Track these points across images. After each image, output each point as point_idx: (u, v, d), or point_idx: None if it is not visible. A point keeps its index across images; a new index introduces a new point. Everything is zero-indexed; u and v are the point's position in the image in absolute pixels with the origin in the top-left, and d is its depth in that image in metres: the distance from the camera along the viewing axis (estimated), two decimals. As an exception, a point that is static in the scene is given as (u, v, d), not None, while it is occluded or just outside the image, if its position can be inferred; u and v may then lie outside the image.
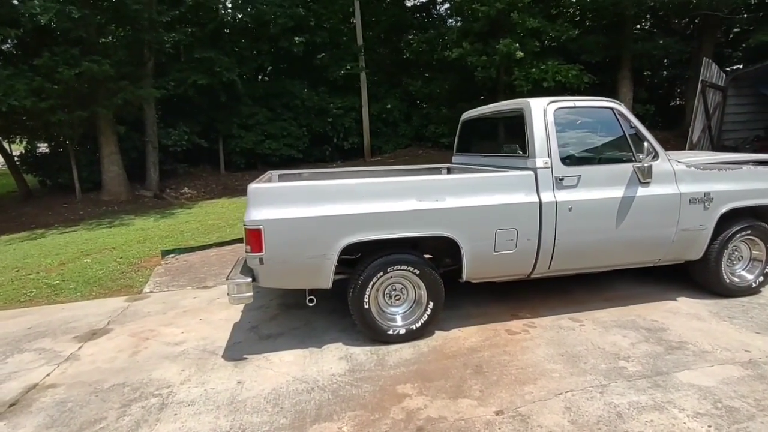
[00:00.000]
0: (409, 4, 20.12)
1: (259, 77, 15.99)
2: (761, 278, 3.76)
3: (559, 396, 2.49)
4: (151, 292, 4.81)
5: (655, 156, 3.37)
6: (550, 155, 3.23)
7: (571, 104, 3.39)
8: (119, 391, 2.81)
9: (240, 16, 12.07)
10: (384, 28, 18.18)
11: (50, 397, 2.79)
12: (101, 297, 4.76)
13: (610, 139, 3.45)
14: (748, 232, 3.65)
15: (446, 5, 19.84)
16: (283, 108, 15.50)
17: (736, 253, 3.76)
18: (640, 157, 3.34)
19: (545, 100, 3.35)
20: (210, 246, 6.55)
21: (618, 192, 3.31)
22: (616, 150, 3.42)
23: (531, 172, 3.23)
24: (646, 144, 3.30)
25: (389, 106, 16.95)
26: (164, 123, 12.61)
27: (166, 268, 5.65)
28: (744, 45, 13.60)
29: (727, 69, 12.82)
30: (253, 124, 14.76)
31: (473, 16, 13.56)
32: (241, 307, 4.18)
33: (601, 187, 3.29)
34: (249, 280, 2.97)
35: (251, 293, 3.00)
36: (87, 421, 2.52)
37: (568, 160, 3.28)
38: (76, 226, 9.25)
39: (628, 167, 3.35)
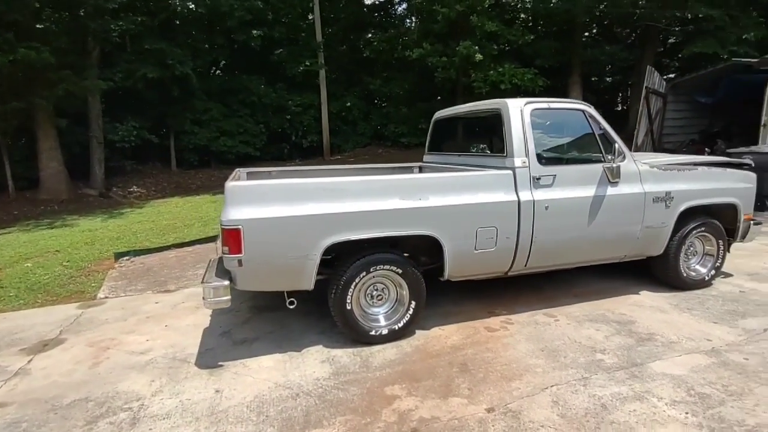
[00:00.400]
0: (368, 2, 20.09)
1: (214, 71, 15.37)
2: (713, 272, 4.04)
3: (546, 390, 2.54)
4: (106, 297, 4.48)
5: (623, 157, 3.52)
6: (527, 155, 3.30)
7: (546, 105, 3.48)
8: (82, 407, 2.58)
9: (193, 6, 11.49)
10: (343, 26, 18.04)
11: (0, 419, 2.51)
12: (48, 304, 4.38)
13: (581, 140, 3.58)
14: (703, 228, 3.91)
15: (404, 5, 20.01)
16: (239, 104, 15.00)
17: (692, 248, 4.01)
18: (609, 157, 3.48)
19: (522, 100, 3.42)
20: (168, 247, 6.21)
21: (590, 191, 3.44)
22: (587, 151, 3.55)
23: (510, 172, 3.28)
24: (615, 145, 3.45)
25: (349, 104, 16.84)
26: (110, 117, 11.82)
27: (121, 272, 5.29)
28: (680, 55, 14.63)
29: (666, 77, 13.75)
30: (207, 120, 14.17)
31: (433, 18, 13.73)
32: (209, 311, 3.98)
33: (575, 187, 3.41)
34: (226, 283, 2.82)
35: (229, 297, 2.85)
36: (48, 442, 2.29)
37: (544, 159, 3.37)
38: (10, 227, 8.49)
39: (599, 167, 3.49)
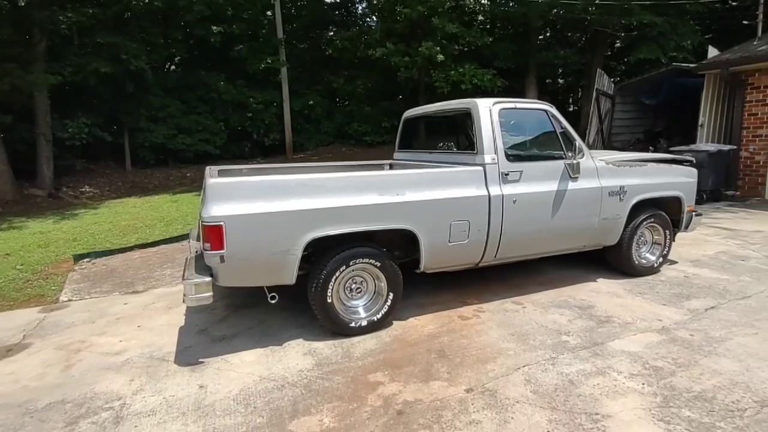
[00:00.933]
0: (328, 0, 20.02)
1: (170, 67, 14.84)
2: (661, 259, 4.42)
3: (518, 371, 2.73)
4: (69, 300, 4.32)
5: (582, 154, 3.79)
6: (496, 152, 3.50)
7: (512, 105, 3.69)
8: (59, 409, 2.53)
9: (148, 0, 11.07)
10: (304, 24, 17.89)
11: (-30, 424, 2.42)
12: (5, 309, 4.17)
13: (544, 138, 3.81)
14: (652, 220, 4.26)
15: (364, 4, 20.10)
16: (198, 101, 14.57)
17: (642, 238, 4.36)
18: (570, 154, 3.74)
19: (490, 100, 3.61)
20: (132, 248, 6.02)
21: (553, 186, 3.69)
22: (550, 148, 3.79)
23: (480, 168, 3.46)
24: (575, 143, 3.71)
25: (311, 102, 16.73)
26: (60, 113, 11.18)
27: (82, 274, 5.09)
28: (626, 59, 15.56)
29: (614, 80, 14.60)
30: (164, 116, 13.68)
31: (395, 18, 13.91)
32: (183, 310, 3.94)
33: (540, 182, 3.64)
34: (209, 279, 2.83)
35: (211, 293, 2.86)
36: (28, 444, 2.24)
37: (511, 156, 3.57)
38: (-50, 230, 7.90)
39: (561, 164, 3.74)
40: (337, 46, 15.77)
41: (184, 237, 6.55)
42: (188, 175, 14.31)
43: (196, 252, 3.46)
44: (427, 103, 4.58)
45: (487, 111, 3.54)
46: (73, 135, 11.09)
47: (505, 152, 3.53)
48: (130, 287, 4.62)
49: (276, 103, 15.94)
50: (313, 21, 17.89)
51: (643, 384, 2.54)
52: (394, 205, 3.12)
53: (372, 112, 16.68)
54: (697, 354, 2.86)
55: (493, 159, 3.47)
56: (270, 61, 14.89)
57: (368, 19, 19.45)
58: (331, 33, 18.19)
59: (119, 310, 4.02)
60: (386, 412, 2.38)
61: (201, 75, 14.07)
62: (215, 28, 12.33)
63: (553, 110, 3.83)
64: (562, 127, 3.81)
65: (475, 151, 3.55)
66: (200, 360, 3.02)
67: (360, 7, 20.28)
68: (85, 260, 5.54)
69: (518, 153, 3.66)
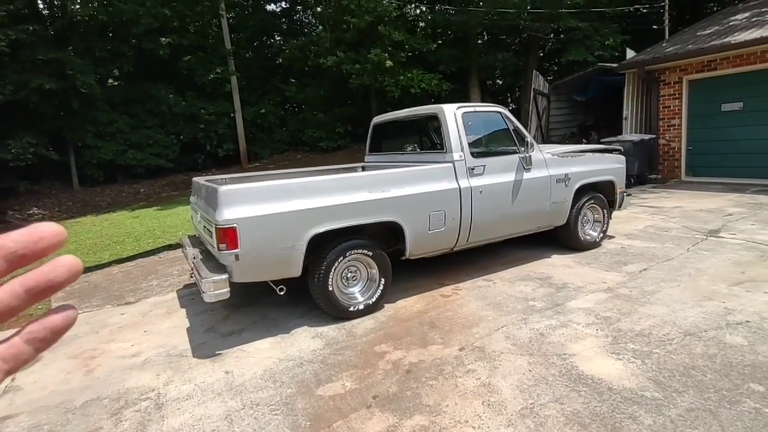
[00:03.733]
0: (269, 8, 20.12)
1: (116, 81, 14.40)
2: (601, 235, 5.17)
3: (498, 330, 3.27)
4: (62, 316, 4.40)
5: (533, 148, 4.43)
6: (462, 150, 4.05)
7: (472, 109, 4.26)
8: (98, 405, 2.76)
9: (94, 13, 10.77)
10: (251, 33, 17.93)
11: (16, 426, 2.61)
12: (-4, 331, 4.20)
13: (501, 136, 4.42)
14: (592, 201, 5.00)
15: (309, 12, 20.41)
16: (148, 114, 14.29)
17: (585, 217, 5.10)
18: (522, 149, 4.37)
19: (454, 105, 4.17)
20: (109, 264, 6.06)
21: (511, 177, 4.29)
22: (506, 144, 4.40)
23: (450, 164, 4.00)
24: (527, 139, 4.34)
25: (263, 111, 16.83)
26: (-1, 134, 10.67)
27: (66, 292, 5.12)
28: (558, 60, 16.94)
29: (548, 79, 15.87)
30: (112, 132, 13.31)
31: (343, 27, 14.37)
32: (184, 314, 4.18)
33: (500, 174, 4.23)
34: (225, 276, 3.15)
35: (228, 289, 3.17)
36: (83, 433, 2.48)
37: (475, 153, 4.14)
38: None
39: (516, 157, 4.36)
40: (287, 54, 16.00)
41: (162, 250, 6.65)
42: (141, 190, 14.00)
43: (199, 256, 3.74)
44: (378, 108, 5.09)
45: (453, 114, 4.09)
46: (17, 155, 10.61)
47: (470, 150, 4.09)
48: (121, 299, 4.76)
49: (228, 113, 15.91)
50: (259, 30, 17.99)
51: (596, 330, 3.16)
52: (382, 200, 3.58)
53: (325, 119, 17.03)
54: (635, 304, 3.53)
55: (461, 156, 4.02)
56: (219, 72, 14.87)
57: (314, 27, 19.79)
58: (279, 40, 18.35)
59: (119, 320, 4.18)
60: (397, 372, 2.83)
61: (149, 88, 13.81)
62: (164, 40, 12.21)
63: (506, 111, 4.45)
64: (514, 126, 4.43)
65: (444, 150, 4.08)
66: (217, 352, 3.32)
67: (305, 16, 20.59)
68: (64, 279, 5.54)
69: (480, 150, 4.23)
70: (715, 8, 17.10)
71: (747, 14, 10.29)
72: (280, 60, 16.72)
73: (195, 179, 4.60)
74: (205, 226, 3.70)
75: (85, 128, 12.58)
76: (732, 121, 8.76)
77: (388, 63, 13.43)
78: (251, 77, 17.25)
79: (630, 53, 11.11)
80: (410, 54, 15.24)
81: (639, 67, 9.93)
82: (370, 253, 3.67)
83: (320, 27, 17.68)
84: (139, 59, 13.11)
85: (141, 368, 3.18)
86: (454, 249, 4.22)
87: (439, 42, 16.90)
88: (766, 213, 6.14)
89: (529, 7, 14.67)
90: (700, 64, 8.97)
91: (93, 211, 11.46)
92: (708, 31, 10.06)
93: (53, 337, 0.36)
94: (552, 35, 16.89)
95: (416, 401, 2.50)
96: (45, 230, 0.34)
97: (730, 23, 10.00)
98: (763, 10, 10.01)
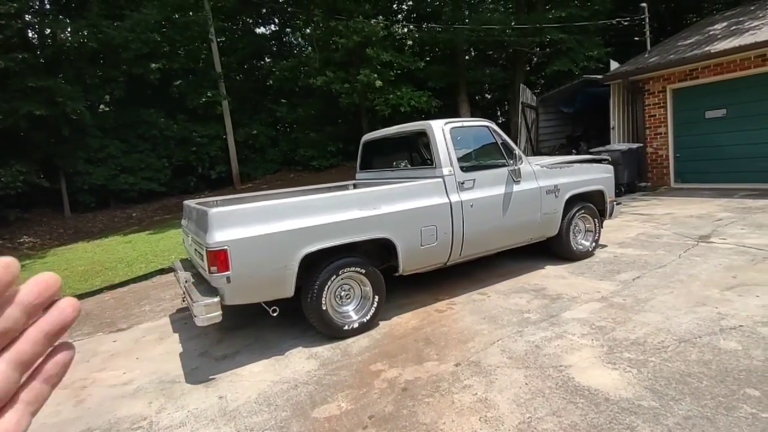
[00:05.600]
0: (258, 30, 20.43)
1: (107, 107, 14.46)
2: (594, 244, 5.20)
3: (494, 344, 3.26)
4: (53, 346, 4.33)
5: (521, 160, 4.48)
6: (452, 164, 4.08)
7: (460, 124, 4.31)
8: (89, 436, 2.70)
9: (84, 40, 10.88)
10: (241, 56, 18.14)
11: (3, 462, 2.54)
12: (-16, 363, 4.11)
13: (489, 149, 4.46)
14: (583, 211, 5.04)
15: (298, 33, 20.73)
16: (139, 139, 14.32)
17: (577, 227, 5.12)
18: (511, 162, 4.41)
19: (442, 121, 4.21)
20: (100, 290, 5.99)
21: (501, 189, 4.32)
22: (495, 158, 4.44)
23: (440, 179, 4.02)
24: (515, 152, 4.39)
25: (255, 132, 16.92)
26: (-12, 162, 10.63)
27: (57, 321, 5.05)
28: (544, 73, 17.24)
29: (536, 92, 16.13)
30: (104, 157, 13.31)
31: (332, 47, 14.58)
32: (177, 339, 4.13)
33: (490, 187, 4.26)
34: (217, 299, 3.12)
35: (220, 312, 3.14)
36: (72, 467, 2.42)
37: (464, 167, 4.17)
38: None
39: (505, 170, 4.40)
40: (277, 75, 16.17)
41: (154, 274, 6.59)
42: (134, 215, 13.93)
43: (191, 279, 3.70)
44: (369, 126, 5.14)
45: (441, 130, 4.13)
46: (7, 184, 10.56)
47: (459, 164, 4.13)
48: (113, 326, 4.69)
49: (219, 135, 15.98)
50: (249, 53, 18.21)
51: (592, 340, 3.15)
52: (373, 217, 3.59)
53: (317, 138, 17.13)
54: (629, 313, 3.54)
55: (450, 171, 4.05)
56: (210, 95, 14.98)
57: (303, 48, 20.07)
58: (269, 62, 18.56)
59: (110, 347, 4.12)
60: (393, 390, 2.80)
61: (140, 113, 13.87)
62: (154, 65, 12.32)
63: (494, 125, 4.50)
64: (502, 140, 4.48)
65: (434, 166, 4.11)
66: (210, 377, 3.27)
67: (294, 38, 20.89)
68: (55, 307, 5.47)
69: (470, 164, 4.27)
70: (694, 19, 17.56)
71: (725, 24, 10.57)
72: (271, 81, 16.91)
73: (186, 202, 4.59)
74: (196, 249, 3.68)
75: (76, 154, 12.56)
76: (717, 128, 8.91)
77: (378, 83, 13.61)
78: (242, 99, 17.39)
79: (614, 64, 11.34)
80: (399, 72, 15.45)
81: (623, 77, 10.13)
82: (363, 271, 3.66)
83: (309, 48, 17.95)
84: (130, 84, 13.20)
85: (133, 396, 3.12)
86: (448, 263, 4.22)
87: (427, 59, 17.16)
88: (755, 217, 6.21)
89: (513, 23, 14.98)
90: (683, 73, 9.17)
91: (85, 238, 11.37)
92: (689, 41, 10.31)
93: (64, 372, 0.40)
94: (538, 48, 17.24)
95: (413, 420, 2.47)
96: (50, 280, 0.38)
97: (709, 33, 10.27)
98: (740, 19, 10.29)
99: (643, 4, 13.11)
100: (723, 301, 3.56)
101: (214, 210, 3.13)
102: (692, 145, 9.33)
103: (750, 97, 8.35)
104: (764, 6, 10.64)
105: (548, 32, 14.93)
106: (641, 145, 9.92)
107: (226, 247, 3.05)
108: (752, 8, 11.05)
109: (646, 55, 10.92)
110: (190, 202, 4.49)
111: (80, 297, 5.80)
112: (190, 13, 14.71)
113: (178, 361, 3.62)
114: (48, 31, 11.09)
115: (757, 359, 2.67)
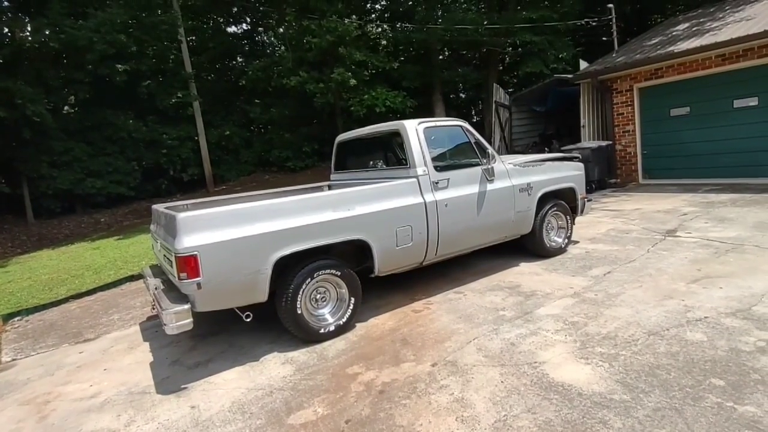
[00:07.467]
0: (230, 30, 20.07)
1: (72, 109, 13.93)
2: (566, 240, 5.29)
3: (470, 343, 3.27)
4: (14, 360, 4.14)
5: (495, 159, 4.52)
6: (426, 164, 4.08)
7: (433, 124, 4.32)
8: (52, 454, 2.58)
9: (45, 40, 10.42)
10: (211, 55, 17.78)
11: (-42, 485, 2.40)
12: (-61, 381, 3.89)
13: (463, 149, 4.48)
14: (555, 208, 5.12)
15: (270, 33, 20.45)
16: (106, 141, 13.86)
17: (550, 224, 5.20)
18: (485, 161, 4.44)
19: (415, 121, 4.21)
20: (66, 300, 5.76)
21: (475, 189, 4.35)
22: (468, 157, 4.46)
23: (414, 179, 4.02)
24: (488, 151, 4.42)
25: (228, 133, 16.61)
26: (-56, 168, 10.09)
27: (18, 333, 4.83)
28: (516, 73, 17.52)
29: (509, 91, 16.38)
30: (68, 161, 12.82)
31: (305, 47, 14.43)
32: (147, 348, 4.00)
33: (464, 186, 4.28)
34: (187, 306, 3.03)
35: (191, 319, 3.05)
36: (33, 487, 2.30)
37: (438, 167, 4.18)
38: None
39: (479, 169, 4.42)
40: (250, 76, 15.91)
41: (124, 282, 6.38)
42: (102, 220, 13.48)
43: (161, 286, 3.59)
44: (344, 126, 5.11)
45: (414, 130, 4.13)
46: (-35, 190, 10.04)
47: (433, 164, 4.13)
48: (79, 337, 4.51)
49: (191, 137, 15.61)
50: (221, 52, 17.87)
51: (565, 336, 3.20)
52: (348, 219, 3.55)
53: (292, 138, 16.95)
54: (601, 308, 3.61)
55: (424, 171, 4.05)
56: (181, 96, 14.62)
57: (276, 48, 19.82)
58: (241, 62, 18.26)
59: (77, 359, 3.96)
60: (370, 393, 2.78)
61: (107, 114, 13.42)
62: (120, 66, 11.93)
63: (467, 125, 4.53)
64: (475, 139, 4.51)
65: (408, 166, 4.10)
66: (182, 386, 3.18)
67: (266, 37, 20.61)
68: (16, 319, 5.23)
69: (444, 164, 4.28)
70: (659, 19, 18.15)
71: (687, 25, 10.96)
72: (243, 81, 16.61)
73: (154, 207, 4.45)
74: (165, 255, 3.57)
75: (39, 158, 12.06)
76: (681, 125, 9.22)
77: (352, 81, 13.56)
78: (214, 100, 17.05)
79: (583, 64, 11.60)
80: (374, 72, 15.43)
81: (592, 77, 10.37)
82: (339, 273, 3.62)
83: (282, 48, 17.74)
84: (96, 86, 12.75)
85: (100, 410, 3.00)
86: (423, 263, 4.22)
87: (402, 59, 17.20)
88: (717, 211, 6.45)
89: (485, 23, 15.16)
90: (648, 72, 9.45)
91: (50, 245, 10.93)
92: (653, 42, 10.63)
93: None
94: (510, 49, 17.51)
95: (389, 422, 2.45)
96: None
97: (673, 33, 10.62)
98: (702, 20, 10.69)
99: (610, 5, 13.47)
100: (689, 293, 3.68)
101: (183, 214, 3.04)
102: (658, 143, 9.63)
103: (711, 96, 8.67)
104: (723, 8, 11.08)
105: (519, 34, 15.17)
106: (610, 142, 10.18)
107: (195, 253, 2.97)
108: (712, 10, 11.49)
109: (614, 55, 11.21)
110: (159, 207, 4.35)
111: (45, 307, 5.56)
112: (159, 12, 14.32)
113: (148, 371, 3.50)
114: (6, 30, 10.58)
115: (721, 349, 2.76)
